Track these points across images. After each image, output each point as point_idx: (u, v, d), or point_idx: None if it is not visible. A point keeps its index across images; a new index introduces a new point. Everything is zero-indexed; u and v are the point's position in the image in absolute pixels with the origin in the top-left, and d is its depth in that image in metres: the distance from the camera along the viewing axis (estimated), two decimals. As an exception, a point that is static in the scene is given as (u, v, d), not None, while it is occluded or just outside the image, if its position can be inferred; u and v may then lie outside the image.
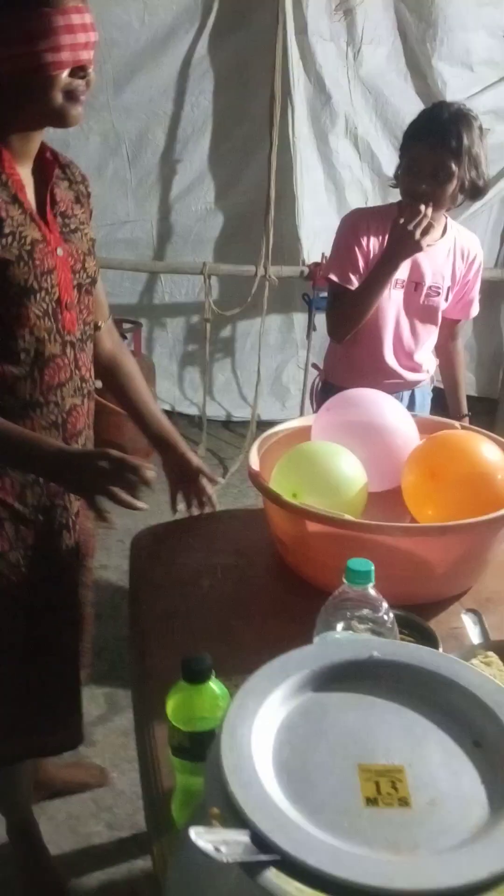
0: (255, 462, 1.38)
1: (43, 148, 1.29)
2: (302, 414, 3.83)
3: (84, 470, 1.19)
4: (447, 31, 3.35)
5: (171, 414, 4.06)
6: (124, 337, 3.67)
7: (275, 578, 1.38)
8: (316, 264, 3.55)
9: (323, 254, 3.53)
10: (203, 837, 0.54)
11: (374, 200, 3.66)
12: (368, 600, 0.87)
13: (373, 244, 1.93)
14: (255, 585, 1.36)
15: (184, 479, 1.57)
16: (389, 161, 3.60)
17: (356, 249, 1.92)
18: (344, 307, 1.94)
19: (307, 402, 3.69)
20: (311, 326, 3.67)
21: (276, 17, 3.28)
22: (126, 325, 3.69)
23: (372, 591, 0.88)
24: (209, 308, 3.65)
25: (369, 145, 3.56)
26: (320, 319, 3.65)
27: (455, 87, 3.40)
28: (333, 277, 1.95)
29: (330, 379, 2.09)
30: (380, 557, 1.19)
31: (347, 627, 0.88)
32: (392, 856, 0.58)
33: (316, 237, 3.61)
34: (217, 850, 0.54)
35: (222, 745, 0.65)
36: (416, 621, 1.06)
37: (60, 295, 1.27)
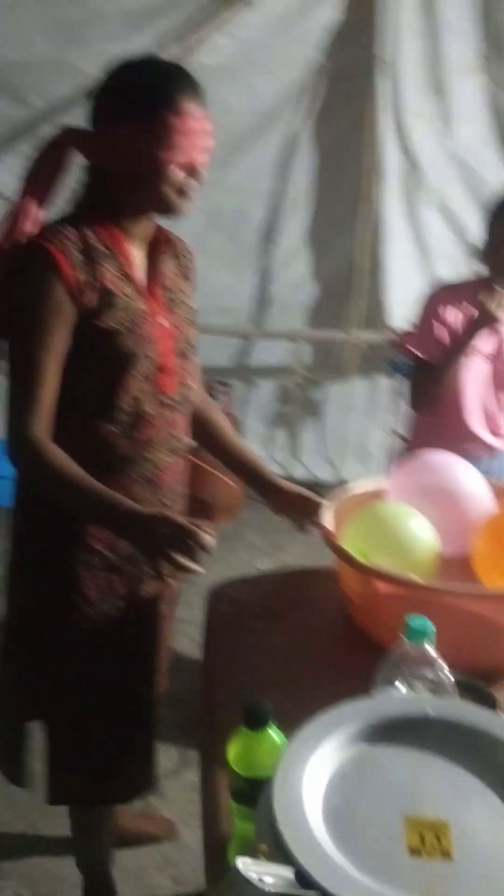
0: (328, 521, 1.43)
1: (157, 229, 1.44)
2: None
3: (146, 533, 1.25)
4: (540, 110, 3.42)
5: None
6: (215, 398, 3.82)
7: (342, 636, 1.41)
8: (404, 332, 3.61)
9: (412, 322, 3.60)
10: (249, 867, 0.57)
11: (463, 273, 3.72)
12: (426, 659, 0.89)
13: (456, 318, 1.98)
14: (323, 641, 1.39)
15: (300, 510, 1.56)
16: (479, 232, 3.66)
17: (438, 323, 1.98)
18: (425, 380, 1.99)
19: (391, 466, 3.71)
20: (396, 392, 3.71)
21: (372, 97, 3.44)
22: (220, 387, 3.83)
23: (430, 650, 0.90)
24: (299, 372, 3.75)
25: (459, 217, 3.63)
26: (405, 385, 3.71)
27: (547, 164, 3.45)
28: (415, 351, 2.01)
29: (414, 447, 2.10)
30: (448, 621, 1.22)
31: (407, 685, 0.90)
32: (430, 904, 0.60)
33: (403, 305, 3.67)
34: (261, 880, 0.57)
35: (275, 786, 0.69)
36: (478, 686, 1.06)
37: (162, 361, 1.39)
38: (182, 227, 3.62)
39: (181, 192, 1.31)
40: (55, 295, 1.27)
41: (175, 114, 1.25)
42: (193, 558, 1.20)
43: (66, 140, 1.31)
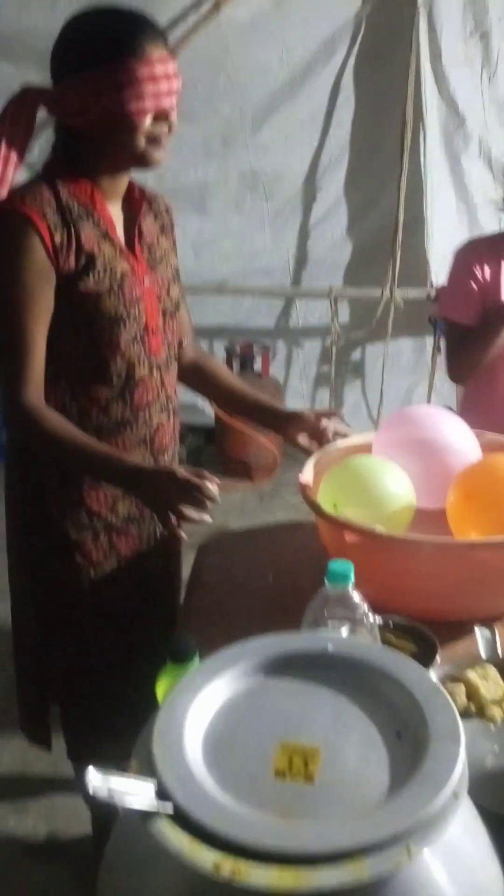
0: (308, 473, 1.44)
1: (131, 186, 1.43)
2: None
3: (153, 487, 1.27)
4: None
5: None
6: (254, 357, 3.83)
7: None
8: (439, 290, 3.53)
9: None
10: (100, 780, 0.62)
11: (507, 221, 3.59)
12: (347, 602, 0.92)
13: (489, 274, 1.83)
14: (301, 590, 1.41)
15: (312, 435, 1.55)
16: (525, 180, 3.53)
17: (472, 283, 1.83)
18: (464, 347, 1.83)
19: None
20: (436, 348, 3.65)
21: (410, 45, 3.34)
22: (256, 348, 3.85)
23: (352, 593, 0.92)
24: (335, 331, 3.73)
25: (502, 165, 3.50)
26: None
27: None
28: (450, 315, 1.87)
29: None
30: (408, 571, 1.24)
31: (331, 626, 0.93)
32: (278, 820, 0.63)
33: (445, 259, 3.58)
34: (110, 793, 0.62)
35: (161, 710, 0.73)
36: (421, 630, 1.08)
37: (147, 321, 1.39)
38: (215, 190, 3.68)
39: (154, 140, 1.28)
40: (35, 259, 1.26)
41: (142, 61, 1.21)
42: (201, 509, 1.23)
43: (29, 98, 1.29)
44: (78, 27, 1.27)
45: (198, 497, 1.22)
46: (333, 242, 3.82)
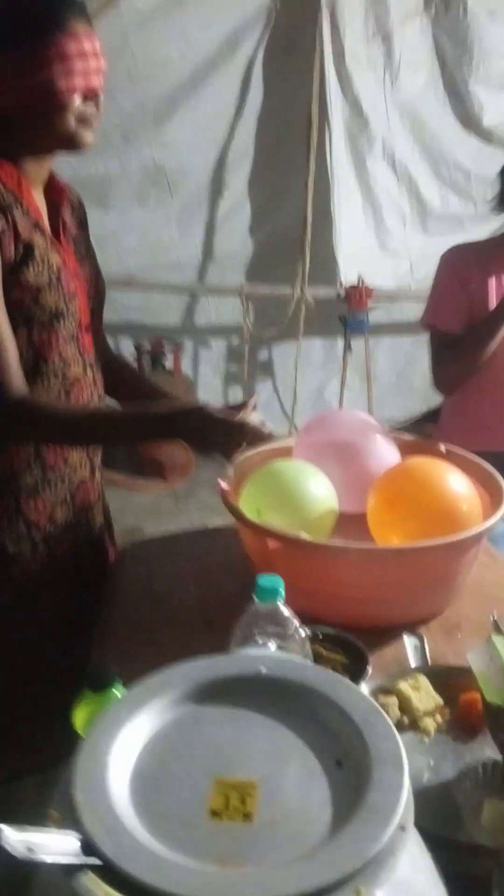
0: (229, 479, 1.40)
1: (51, 173, 1.34)
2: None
3: (192, 431, 1.25)
4: (483, 56, 3.35)
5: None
6: (164, 355, 3.76)
7: (246, 596, 1.38)
8: (353, 286, 3.56)
9: (360, 276, 3.54)
10: (15, 836, 0.55)
11: (411, 222, 3.66)
12: (277, 618, 0.87)
13: (476, 281, 1.76)
14: (226, 601, 1.37)
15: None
16: (427, 182, 3.60)
17: (459, 290, 1.76)
18: (452, 357, 1.75)
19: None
20: (346, 347, 3.68)
21: (314, 43, 3.34)
22: (167, 341, 3.78)
23: (282, 608, 0.88)
24: (247, 328, 3.70)
25: (407, 168, 3.57)
26: (356, 342, 3.67)
27: (492, 110, 3.39)
28: (436, 324, 1.79)
29: (445, 434, 1.79)
30: (335, 578, 1.21)
31: (261, 643, 0.88)
32: (216, 868, 0.58)
33: (353, 259, 3.62)
34: (30, 850, 0.55)
35: (81, 750, 0.67)
36: (350, 640, 1.05)
37: (80, 318, 1.32)
38: (117, 184, 3.57)
39: (84, 121, 1.21)
40: None
41: (70, 36, 1.14)
42: (241, 445, 1.23)
43: None
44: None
45: (238, 438, 1.22)
46: (241, 240, 3.79)
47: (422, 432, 4.28)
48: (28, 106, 1.17)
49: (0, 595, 1.37)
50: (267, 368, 4.06)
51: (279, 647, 0.87)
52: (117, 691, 0.85)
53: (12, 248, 1.19)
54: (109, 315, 1.52)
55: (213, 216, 3.71)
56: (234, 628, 0.90)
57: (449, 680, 1.01)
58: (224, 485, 1.38)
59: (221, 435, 1.22)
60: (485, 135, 3.56)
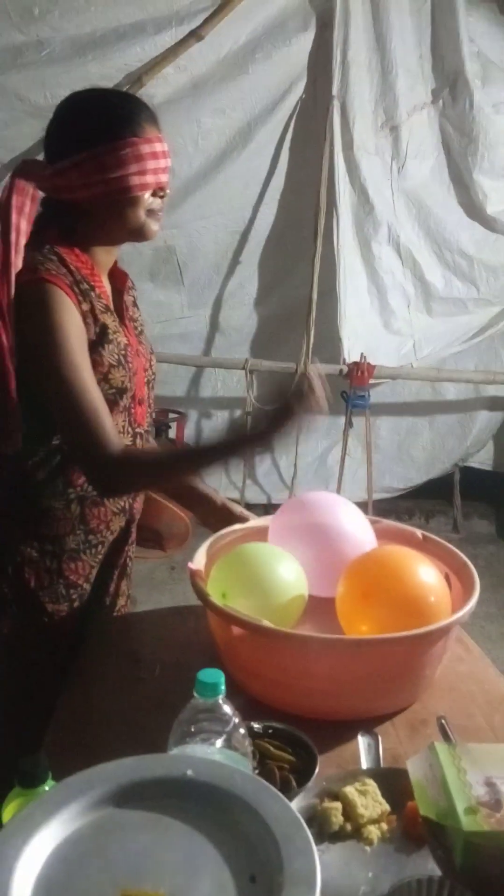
0: (200, 559, 1.39)
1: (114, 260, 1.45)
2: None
3: (282, 433, 1.26)
4: (488, 147, 3.45)
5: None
6: (169, 426, 3.79)
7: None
8: (355, 363, 3.60)
9: (362, 353, 3.59)
10: None
11: (415, 304, 3.72)
12: (218, 714, 0.86)
13: None
14: (192, 684, 1.34)
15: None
16: (431, 266, 3.68)
17: None
18: None
19: (343, 491, 3.73)
20: (347, 423, 3.70)
21: (324, 134, 3.46)
22: (171, 415, 3.81)
23: (223, 705, 0.87)
24: (250, 402, 3.74)
25: (411, 252, 3.64)
26: (358, 420, 3.69)
27: (495, 199, 3.48)
28: None
29: None
30: (295, 668, 1.19)
31: (200, 742, 0.86)
32: None
33: (357, 337, 3.67)
34: None
35: (-12, 854, 0.65)
36: (299, 737, 1.03)
37: (136, 392, 1.41)
38: (129, 260, 3.65)
39: (152, 214, 1.33)
40: (78, 324, 1.27)
41: (143, 138, 1.26)
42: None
43: (32, 170, 1.31)
44: (77, 107, 1.31)
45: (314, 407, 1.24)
46: (248, 316, 3.86)
47: (421, 507, 4.28)
48: (104, 200, 1.29)
49: (36, 652, 1.43)
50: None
51: (219, 745, 0.85)
52: (47, 787, 0.83)
53: (92, 328, 1.31)
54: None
55: (221, 294, 3.79)
56: (174, 723, 0.89)
57: (400, 784, 0.98)
58: (194, 566, 1.37)
59: (286, 412, 1.24)
60: (488, 222, 3.64)
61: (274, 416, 1.26)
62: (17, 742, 1.41)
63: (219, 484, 4.14)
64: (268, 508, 4.14)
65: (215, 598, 1.26)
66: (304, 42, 3.43)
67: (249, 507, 3.98)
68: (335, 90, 3.42)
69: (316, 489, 4.02)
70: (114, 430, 1.28)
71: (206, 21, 3.24)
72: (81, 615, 1.47)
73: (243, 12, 3.27)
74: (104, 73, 3.27)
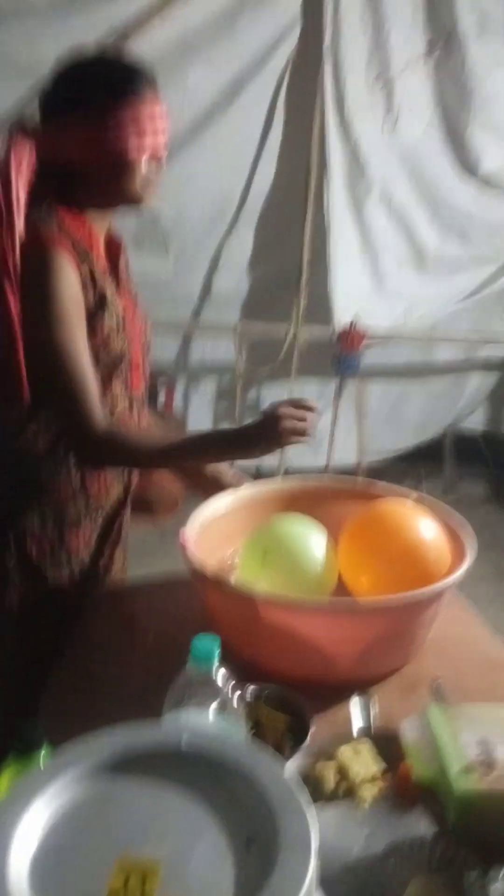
0: (192, 529, 1.39)
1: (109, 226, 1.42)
2: (328, 463, 3.82)
3: (264, 440, 1.29)
4: (484, 102, 3.37)
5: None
6: (157, 390, 3.76)
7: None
8: (344, 330, 3.57)
9: (352, 320, 3.55)
10: None
11: (408, 264, 3.68)
12: (211, 682, 0.86)
13: None
14: (185, 654, 1.34)
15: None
16: (425, 226, 3.63)
17: None
18: None
19: (334, 453, 3.76)
20: (339, 391, 3.68)
21: (315, 90, 3.39)
22: (160, 378, 3.79)
23: (217, 672, 0.87)
24: (240, 367, 3.72)
25: (404, 212, 3.59)
26: (349, 382, 3.67)
27: (491, 156, 3.41)
28: None
29: None
30: (286, 632, 1.19)
31: (194, 709, 0.87)
32: None
33: (349, 299, 3.63)
34: None
35: (-14, 823, 0.66)
36: (295, 702, 1.03)
37: (132, 357, 1.39)
38: (119, 229, 3.53)
39: (148, 180, 1.30)
40: (75, 293, 1.25)
41: (142, 100, 1.24)
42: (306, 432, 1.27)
43: (28, 129, 1.26)
44: (75, 68, 1.27)
45: (303, 425, 1.26)
46: (238, 279, 3.81)
47: (413, 470, 4.28)
48: (101, 163, 1.26)
49: (39, 623, 1.43)
50: (258, 408, 4.07)
51: (215, 713, 0.85)
52: (44, 755, 0.83)
53: (91, 295, 1.28)
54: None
55: (209, 258, 3.73)
56: (169, 690, 0.89)
57: (393, 745, 0.99)
58: (185, 536, 1.37)
59: (266, 430, 1.27)
60: (484, 179, 3.59)
61: (258, 428, 1.28)
62: (21, 712, 1.43)
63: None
64: (258, 474, 4.13)
65: (254, 553, 1.27)
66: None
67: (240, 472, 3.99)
68: (327, 42, 3.33)
69: (305, 456, 4.02)
70: (100, 404, 1.27)
71: (194, -28, 3.14)
72: (81, 585, 1.48)
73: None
74: (89, 28, 3.18)
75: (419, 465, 4.31)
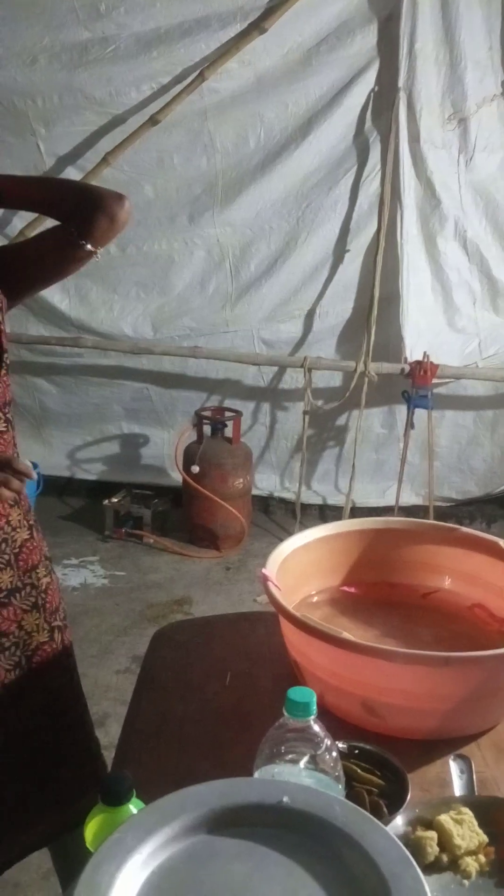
0: (273, 565, 1.35)
1: None
2: (397, 502, 3.74)
3: None
4: None
5: (269, 499, 4.10)
6: (225, 424, 3.75)
7: (283, 692, 1.31)
8: (417, 362, 3.51)
9: (425, 352, 3.50)
10: None
11: (481, 301, 3.61)
12: (308, 734, 0.81)
13: None
14: (264, 697, 1.30)
15: None
16: (499, 262, 3.57)
17: None
18: None
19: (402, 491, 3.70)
20: (409, 423, 3.61)
21: (389, 126, 3.39)
22: (228, 414, 3.78)
23: (314, 725, 0.82)
24: (308, 401, 3.68)
25: (478, 248, 3.54)
26: (419, 416, 3.60)
27: None
28: None
29: None
30: (377, 683, 1.13)
31: (291, 761, 0.82)
32: None
33: (420, 335, 3.58)
34: None
35: (81, 880, 0.62)
36: (389, 760, 0.97)
37: None
38: (180, 265, 3.66)
39: None
40: None
41: None
42: (15, 488, 1.15)
43: None
44: None
45: (8, 476, 1.14)
46: (306, 317, 3.79)
47: (479, 511, 4.14)
48: None
49: None
50: (328, 440, 4.03)
51: (307, 766, 0.80)
52: (132, 806, 0.79)
53: None
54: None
55: (274, 291, 3.74)
56: (261, 743, 0.84)
57: (496, 812, 0.92)
58: (267, 573, 1.33)
59: None
60: None
61: None
62: None
63: (274, 487, 4.10)
64: (322, 510, 4.08)
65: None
66: (370, 35, 3.35)
67: (305, 507, 3.95)
68: (401, 82, 3.35)
69: (372, 494, 3.95)
70: None
71: (269, 13, 3.19)
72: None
73: (307, 5, 3.21)
74: (169, 69, 3.25)
75: (489, 507, 4.18)
